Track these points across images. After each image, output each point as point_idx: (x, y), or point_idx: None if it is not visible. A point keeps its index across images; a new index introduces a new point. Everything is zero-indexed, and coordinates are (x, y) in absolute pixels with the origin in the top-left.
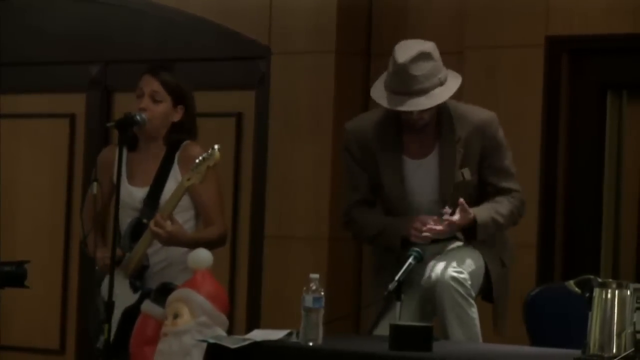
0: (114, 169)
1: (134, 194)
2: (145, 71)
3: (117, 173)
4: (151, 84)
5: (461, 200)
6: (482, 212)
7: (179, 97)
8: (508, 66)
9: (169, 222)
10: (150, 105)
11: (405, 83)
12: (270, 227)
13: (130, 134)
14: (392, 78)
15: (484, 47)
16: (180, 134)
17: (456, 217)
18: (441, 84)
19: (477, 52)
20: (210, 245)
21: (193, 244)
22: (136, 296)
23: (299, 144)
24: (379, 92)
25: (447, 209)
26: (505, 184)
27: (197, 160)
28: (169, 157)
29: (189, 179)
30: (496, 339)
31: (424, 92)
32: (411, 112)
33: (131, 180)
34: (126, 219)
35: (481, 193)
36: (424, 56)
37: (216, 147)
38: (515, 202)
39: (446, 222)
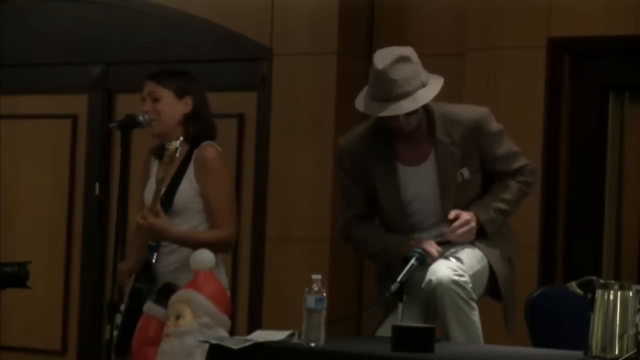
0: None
1: None
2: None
3: (119, 175)
4: (148, 87)
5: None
6: (482, 210)
7: (182, 89)
8: (510, 68)
9: (151, 215)
10: (151, 105)
11: (387, 88)
12: (272, 228)
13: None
14: (373, 85)
15: (486, 48)
16: (197, 125)
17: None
18: (423, 85)
19: (478, 53)
20: (206, 247)
21: (180, 241)
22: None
23: (301, 145)
24: (362, 102)
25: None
26: (515, 165)
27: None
28: (188, 155)
29: (160, 173)
30: (498, 341)
31: (406, 95)
32: (397, 118)
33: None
34: None
35: (484, 186)
36: (402, 60)
37: (175, 141)
38: (522, 177)
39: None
